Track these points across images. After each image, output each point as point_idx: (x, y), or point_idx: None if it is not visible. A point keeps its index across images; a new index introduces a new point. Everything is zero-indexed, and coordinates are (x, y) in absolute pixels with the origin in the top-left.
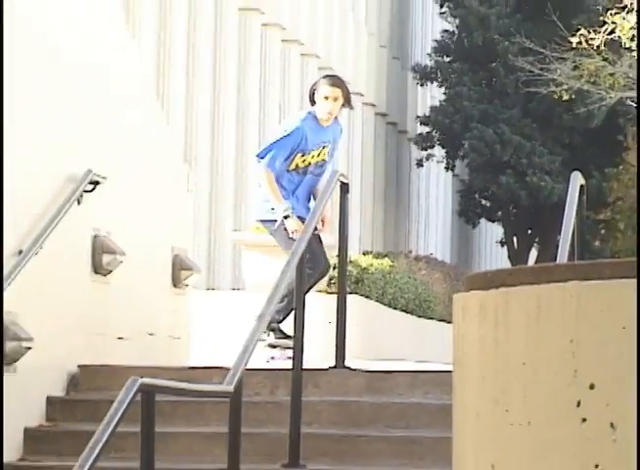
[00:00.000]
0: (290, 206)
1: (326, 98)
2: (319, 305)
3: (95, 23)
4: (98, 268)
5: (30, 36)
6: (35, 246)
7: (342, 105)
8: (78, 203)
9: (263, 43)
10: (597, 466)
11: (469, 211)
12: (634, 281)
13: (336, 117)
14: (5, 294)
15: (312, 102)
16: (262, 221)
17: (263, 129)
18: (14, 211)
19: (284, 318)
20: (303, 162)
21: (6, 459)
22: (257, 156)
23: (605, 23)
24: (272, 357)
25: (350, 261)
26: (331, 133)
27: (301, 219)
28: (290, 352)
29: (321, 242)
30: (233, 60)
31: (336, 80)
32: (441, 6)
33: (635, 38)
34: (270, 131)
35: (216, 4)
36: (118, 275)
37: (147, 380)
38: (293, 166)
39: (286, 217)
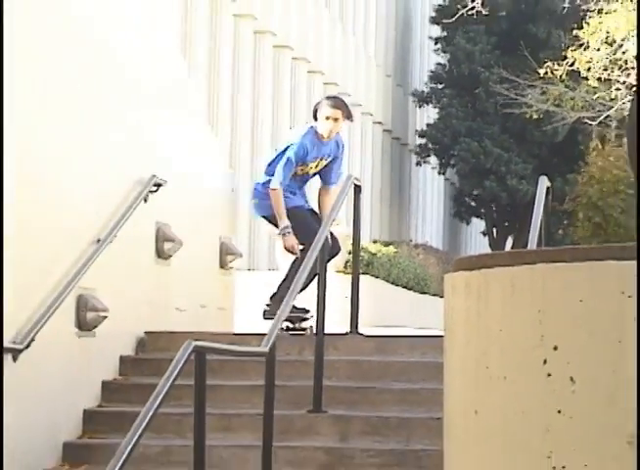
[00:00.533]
0: (289, 225)
1: (327, 118)
2: (337, 282)
3: (156, 46)
4: (160, 254)
5: (103, 55)
6: (110, 235)
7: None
8: (145, 201)
9: (293, 76)
10: (559, 411)
11: (462, 212)
12: (587, 263)
13: (337, 133)
14: (87, 273)
15: (315, 118)
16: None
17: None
18: (94, 207)
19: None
20: (302, 171)
21: (86, 406)
22: (267, 173)
23: (566, 57)
24: (287, 327)
25: (362, 248)
26: (329, 148)
27: (299, 208)
28: (303, 324)
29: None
30: (268, 95)
31: (337, 102)
32: (435, 43)
33: (635, 37)
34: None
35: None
36: (177, 259)
37: (199, 343)
38: (291, 174)
39: (284, 235)
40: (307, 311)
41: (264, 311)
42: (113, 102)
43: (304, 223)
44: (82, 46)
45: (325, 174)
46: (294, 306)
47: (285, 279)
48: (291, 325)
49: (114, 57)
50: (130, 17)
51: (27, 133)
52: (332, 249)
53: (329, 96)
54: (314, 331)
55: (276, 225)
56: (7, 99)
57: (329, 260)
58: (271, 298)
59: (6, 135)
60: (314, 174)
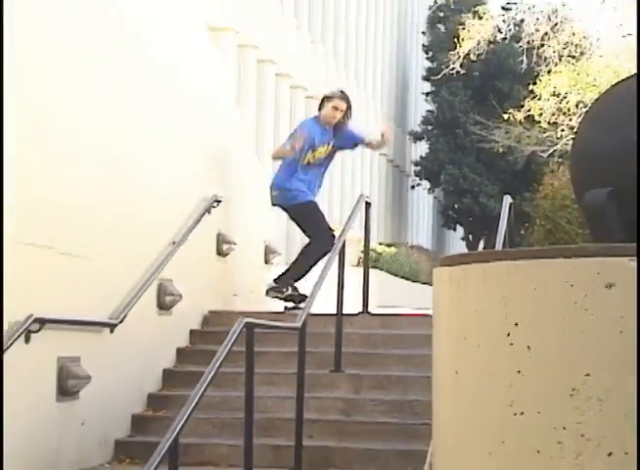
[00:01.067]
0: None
1: (335, 108)
2: (352, 274)
3: (214, 91)
4: (220, 252)
5: (191, 105)
6: (184, 239)
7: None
8: (209, 213)
9: (308, 111)
10: (519, 371)
11: (446, 221)
12: (540, 260)
13: (344, 125)
14: (165, 267)
15: (320, 106)
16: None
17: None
18: (172, 218)
19: (298, 280)
20: (313, 157)
21: (165, 366)
22: (282, 166)
23: (523, 106)
24: (286, 308)
25: (371, 249)
26: (329, 136)
27: (313, 203)
28: (301, 304)
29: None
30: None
31: (345, 96)
32: (426, 95)
33: (635, 35)
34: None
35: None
36: (232, 257)
37: (249, 319)
38: (306, 162)
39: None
40: (306, 297)
41: (267, 290)
42: (185, 141)
43: (316, 220)
44: (185, 99)
45: (348, 142)
46: (296, 290)
47: (292, 265)
48: (291, 305)
49: (198, 106)
50: (196, 64)
51: (133, 163)
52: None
53: (341, 90)
54: (298, 306)
55: (288, 213)
56: (111, 124)
57: (325, 254)
58: (276, 279)
59: (114, 163)
60: (326, 165)
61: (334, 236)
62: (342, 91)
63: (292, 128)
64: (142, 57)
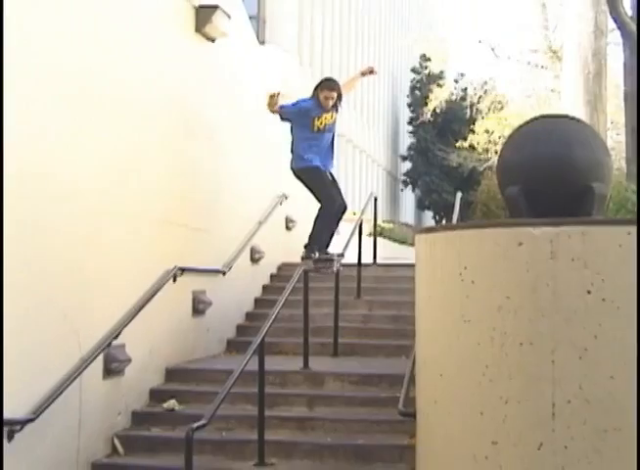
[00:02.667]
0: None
1: (326, 98)
2: (366, 241)
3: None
4: (287, 228)
5: (266, 127)
6: (265, 220)
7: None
8: (280, 204)
9: (350, 154)
10: (467, 296)
11: (423, 208)
12: (477, 230)
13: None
14: (254, 237)
15: (314, 92)
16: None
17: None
18: (259, 206)
19: (325, 243)
20: (321, 123)
21: (255, 296)
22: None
23: (466, 138)
24: (318, 267)
25: (378, 225)
26: (328, 108)
27: (319, 169)
28: (331, 264)
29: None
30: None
31: (334, 85)
32: (410, 133)
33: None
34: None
35: None
36: (295, 230)
37: (304, 267)
38: (315, 129)
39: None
40: (340, 255)
41: (302, 257)
42: (268, 160)
43: (323, 185)
44: (266, 135)
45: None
46: (326, 252)
47: (312, 231)
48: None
49: (273, 139)
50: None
51: (239, 173)
52: (341, 206)
53: (327, 78)
54: (339, 268)
55: (300, 177)
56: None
57: (342, 215)
58: (305, 246)
59: (225, 174)
60: (333, 133)
61: (341, 199)
62: (327, 79)
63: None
64: (242, 114)
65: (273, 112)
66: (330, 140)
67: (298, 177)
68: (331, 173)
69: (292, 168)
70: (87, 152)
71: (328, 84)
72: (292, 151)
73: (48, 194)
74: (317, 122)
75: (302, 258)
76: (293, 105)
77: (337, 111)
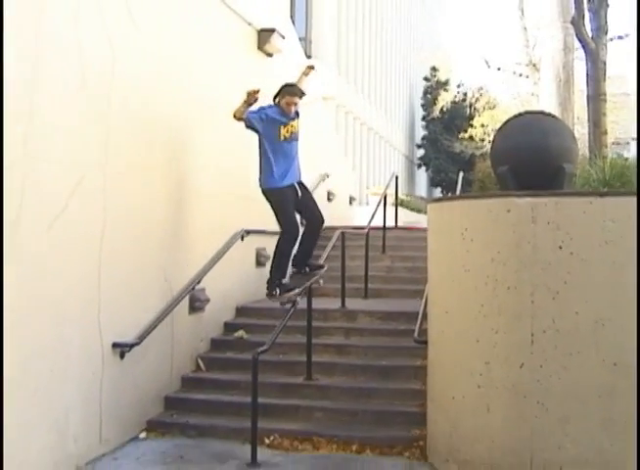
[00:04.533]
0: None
1: (288, 104)
2: (390, 210)
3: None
4: (329, 199)
5: (318, 123)
6: (313, 192)
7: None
8: (323, 181)
9: (372, 141)
10: (467, 251)
11: (433, 185)
12: (476, 200)
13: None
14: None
15: (276, 98)
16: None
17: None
18: (306, 182)
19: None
20: (287, 131)
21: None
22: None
23: (466, 130)
24: (282, 303)
25: (399, 198)
26: (293, 116)
27: (279, 189)
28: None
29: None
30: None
31: (294, 90)
32: (423, 127)
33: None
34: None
35: None
36: (335, 201)
37: (342, 230)
38: (282, 138)
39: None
40: (319, 267)
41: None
42: (315, 145)
43: (281, 209)
44: (313, 126)
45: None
46: (283, 285)
47: (272, 263)
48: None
49: (320, 130)
50: (322, 118)
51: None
52: (312, 223)
53: (288, 84)
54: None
55: (270, 201)
56: None
57: (319, 229)
58: (267, 281)
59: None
60: (297, 138)
61: (316, 214)
62: (288, 85)
63: (350, 138)
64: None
65: (239, 119)
66: (296, 149)
67: (267, 198)
68: (301, 184)
69: (261, 187)
70: (200, 144)
71: (289, 90)
72: (260, 167)
73: (175, 178)
74: (284, 131)
75: (267, 295)
76: (257, 112)
77: (298, 116)
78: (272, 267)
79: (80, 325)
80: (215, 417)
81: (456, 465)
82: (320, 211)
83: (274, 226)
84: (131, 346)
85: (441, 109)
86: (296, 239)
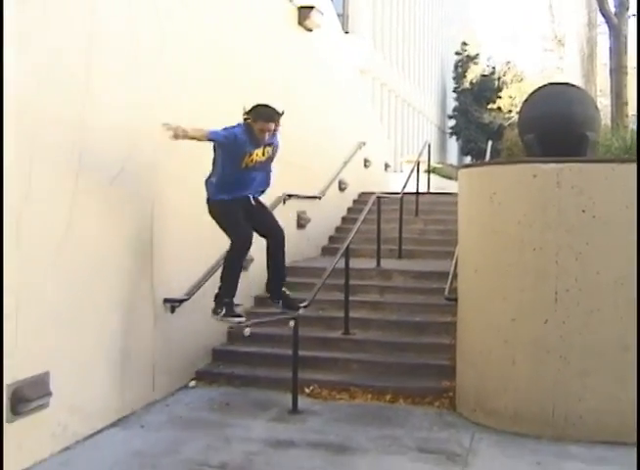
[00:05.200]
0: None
1: (261, 131)
2: (423, 176)
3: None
4: (365, 166)
5: (358, 104)
6: (349, 160)
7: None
8: (360, 149)
9: (406, 111)
10: (495, 215)
11: (463, 153)
12: (504, 165)
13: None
14: (342, 172)
15: (247, 121)
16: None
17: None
18: (345, 150)
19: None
20: (251, 160)
21: (342, 215)
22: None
23: (495, 101)
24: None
25: (431, 165)
26: (264, 141)
27: (234, 205)
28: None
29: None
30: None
31: (270, 115)
32: (455, 98)
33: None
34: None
35: None
36: (372, 166)
37: (378, 194)
38: (243, 166)
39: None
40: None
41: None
42: (353, 117)
43: (230, 222)
44: (352, 100)
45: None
46: (232, 309)
47: (221, 278)
48: (238, 321)
49: (360, 104)
50: (359, 87)
51: (334, 127)
52: (274, 237)
53: (264, 105)
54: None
55: (212, 215)
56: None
57: (282, 243)
58: (215, 296)
59: (326, 130)
60: (263, 168)
61: (275, 229)
62: (265, 106)
63: (385, 109)
64: (333, 83)
65: (191, 138)
66: (259, 179)
67: (210, 212)
68: (257, 201)
69: (207, 199)
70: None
71: (264, 114)
72: (209, 178)
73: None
74: (247, 160)
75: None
76: (225, 131)
77: (276, 141)
78: (220, 280)
79: (135, 280)
80: (259, 368)
81: (483, 414)
82: (279, 224)
83: (316, 190)
84: (180, 301)
85: (471, 81)
86: (246, 249)
